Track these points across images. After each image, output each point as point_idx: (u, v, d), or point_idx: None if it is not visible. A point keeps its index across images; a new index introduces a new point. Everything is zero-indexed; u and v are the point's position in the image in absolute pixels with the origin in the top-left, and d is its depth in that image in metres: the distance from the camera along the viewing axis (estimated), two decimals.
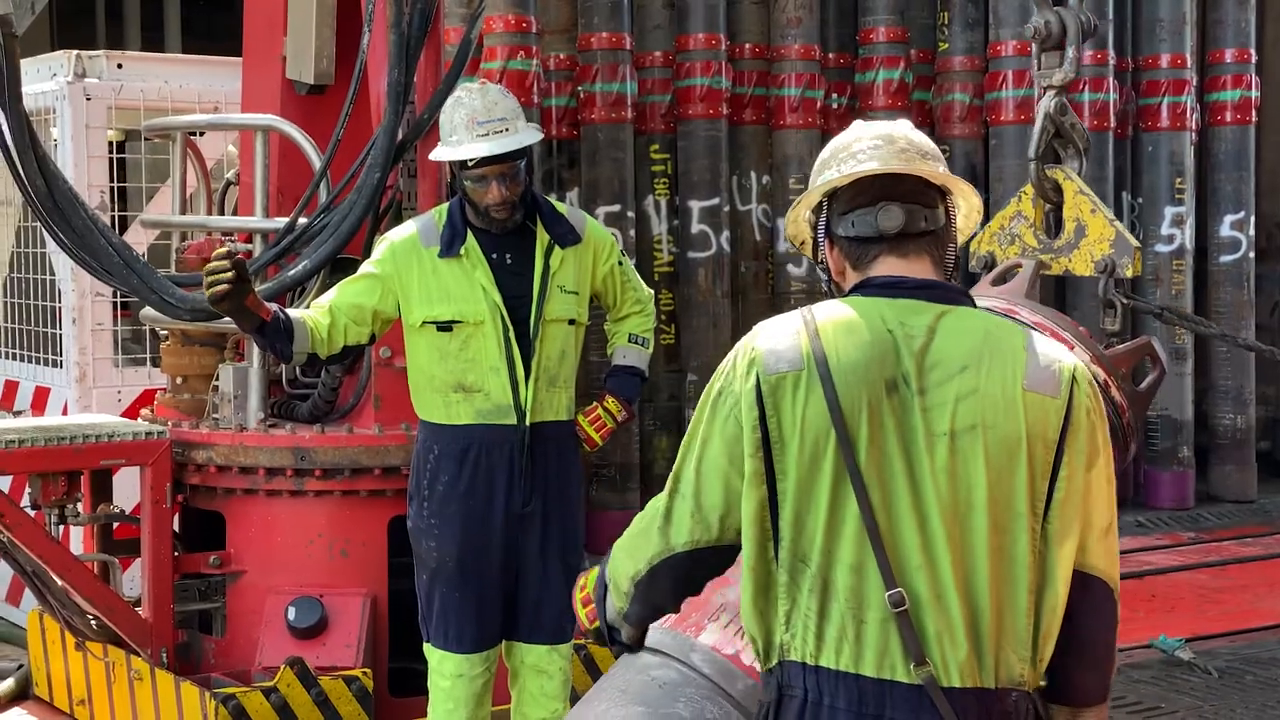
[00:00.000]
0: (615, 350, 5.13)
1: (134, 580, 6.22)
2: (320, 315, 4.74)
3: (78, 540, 6.44)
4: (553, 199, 5.12)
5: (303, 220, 5.73)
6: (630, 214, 8.78)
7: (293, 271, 5.64)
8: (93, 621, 5.87)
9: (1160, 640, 6.87)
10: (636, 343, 5.13)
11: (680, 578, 2.83)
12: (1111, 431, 3.83)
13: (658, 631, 3.66)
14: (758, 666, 3.07)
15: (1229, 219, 10.20)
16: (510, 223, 4.69)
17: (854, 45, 9.50)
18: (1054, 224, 4.39)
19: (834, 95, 9.42)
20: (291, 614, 5.73)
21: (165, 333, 6.33)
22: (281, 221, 5.82)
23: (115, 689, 5.88)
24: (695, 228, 8.97)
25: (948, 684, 2.61)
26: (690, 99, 8.92)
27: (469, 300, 4.67)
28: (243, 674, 5.76)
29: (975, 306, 2.77)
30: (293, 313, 4.71)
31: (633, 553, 2.86)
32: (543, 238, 4.75)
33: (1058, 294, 9.55)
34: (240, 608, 5.95)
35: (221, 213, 6.62)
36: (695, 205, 8.98)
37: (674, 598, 2.89)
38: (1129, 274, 4.20)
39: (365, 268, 4.82)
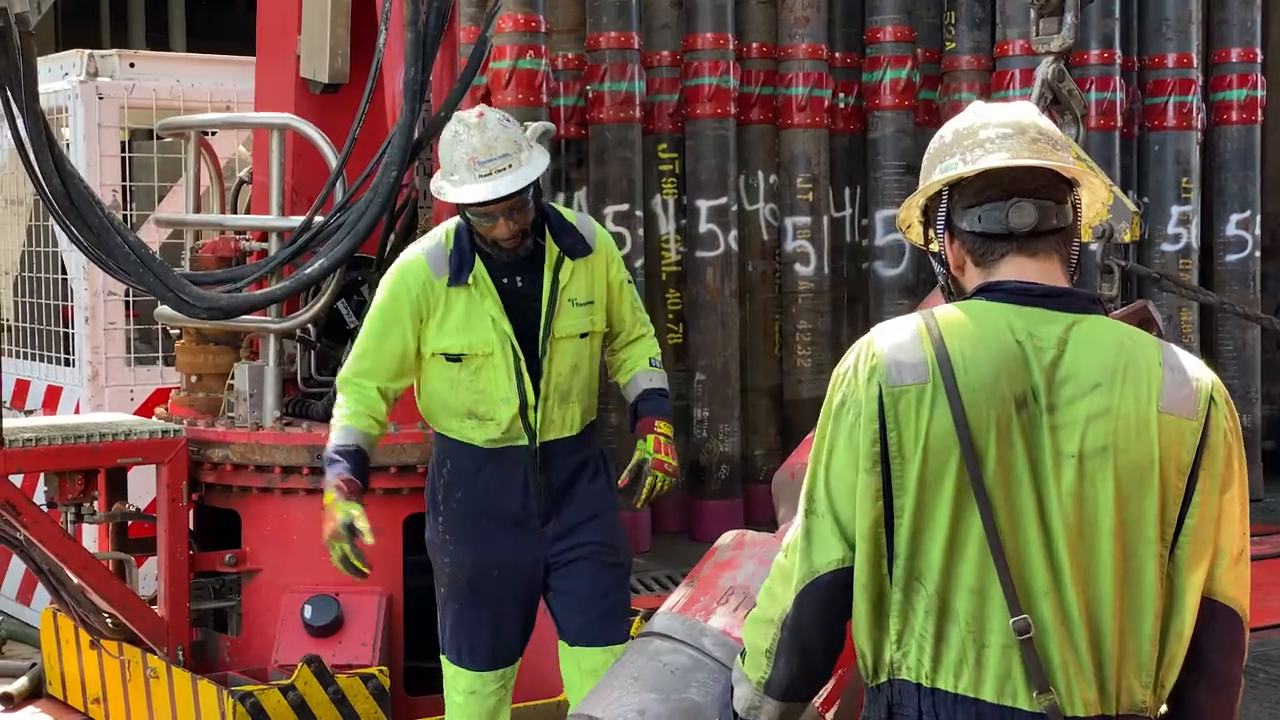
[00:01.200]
0: (637, 375, 4.94)
1: (149, 579, 6.22)
2: (372, 407, 4.67)
3: (92, 539, 6.45)
4: (559, 204, 5.09)
5: (319, 219, 5.74)
6: (638, 213, 8.78)
7: (309, 270, 5.65)
8: (108, 619, 5.87)
9: None
10: (655, 365, 4.99)
11: (830, 608, 2.63)
12: None
13: (668, 616, 3.68)
14: None
15: (1235, 218, 10.21)
16: (522, 250, 4.58)
17: (861, 44, 9.52)
18: None
19: (841, 94, 9.44)
20: (308, 612, 5.74)
21: (179, 331, 6.33)
22: (297, 220, 5.83)
23: (131, 687, 5.89)
24: (703, 227, 8.98)
25: (1071, 713, 2.52)
26: (698, 98, 8.93)
27: (478, 331, 4.58)
28: (259, 672, 5.77)
29: (1106, 314, 2.64)
30: (353, 441, 4.65)
31: (771, 601, 2.68)
32: (552, 251, 4.64)
33: None
34: (256, 606, 5.95)
35: (234, 212, 6.63)
36: (703, 204, 8.99)
37: (825, 637, 2.66)
38: (1127, 239, 4.19)
39: (388, 311, 4.64)
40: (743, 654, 2.76)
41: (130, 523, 6.20)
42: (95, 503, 5.87)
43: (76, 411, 7.18)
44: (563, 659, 4.74)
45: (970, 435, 2.50)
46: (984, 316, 2.57)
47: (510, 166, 4.44)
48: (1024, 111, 2.68)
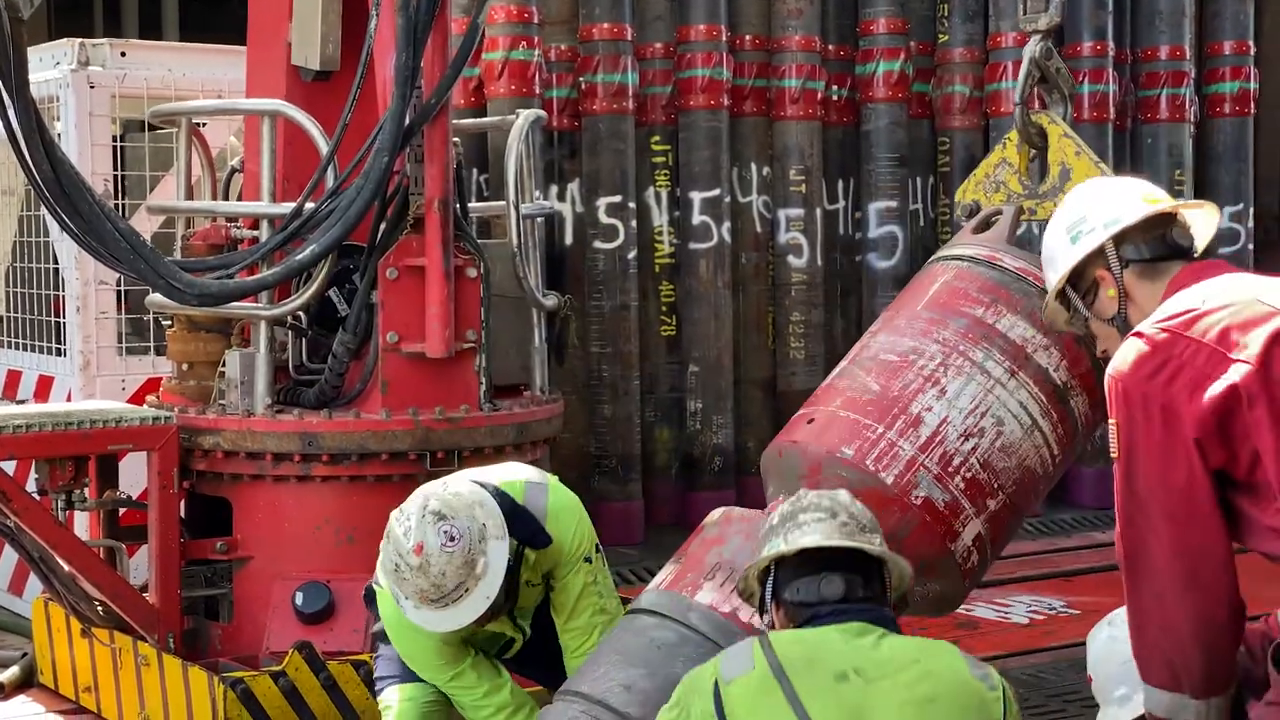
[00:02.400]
0: None
1: (141, 567, 6.21)
2: None
3: (84, 527, 6.44)
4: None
5: (310, 205, 5.73)
6: (631, 205, 8.79)
7: (300, 256, 5.64)
8: (99, 607, 5.87)
9: None
10: None
11: None
12: (1098, 373, 3.89)
13: (655, 593, 3.70)
14: (756, 623, 3.16)
15: (1228, 211, 10.20)
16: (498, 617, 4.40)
17: (854, 37, 9.52)
18: (1040, 170, 4.42)
19: (834, 87, 9.44)
20: (299, 599, 5.74)
21: (171, 319, 6.32)
22: (288, 207, 5.82)
23: (122, 675, 5.88)
24: (696, 219, 8.99)
25: None
26: (691, 90, 8.94)
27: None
28: (250, 659, 5.77)
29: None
30: None
31: None
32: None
33: None
34: (247, 593, 5.95)
35: (227, 200, 6.61)
36: (696, 196, 9.00)
37: None
38: None
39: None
40: None
41: (122, 511, 6.20)
42: (86, 490, 5.86)
43: (68, 401, 7.17)
44: None
45: None
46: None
47: (467, 590, 4.14)
48: (838, 497, 3.15)
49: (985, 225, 4.11)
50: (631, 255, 8.80)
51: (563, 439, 8.54)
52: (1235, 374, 2.98)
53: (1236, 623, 3.04)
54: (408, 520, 4.18)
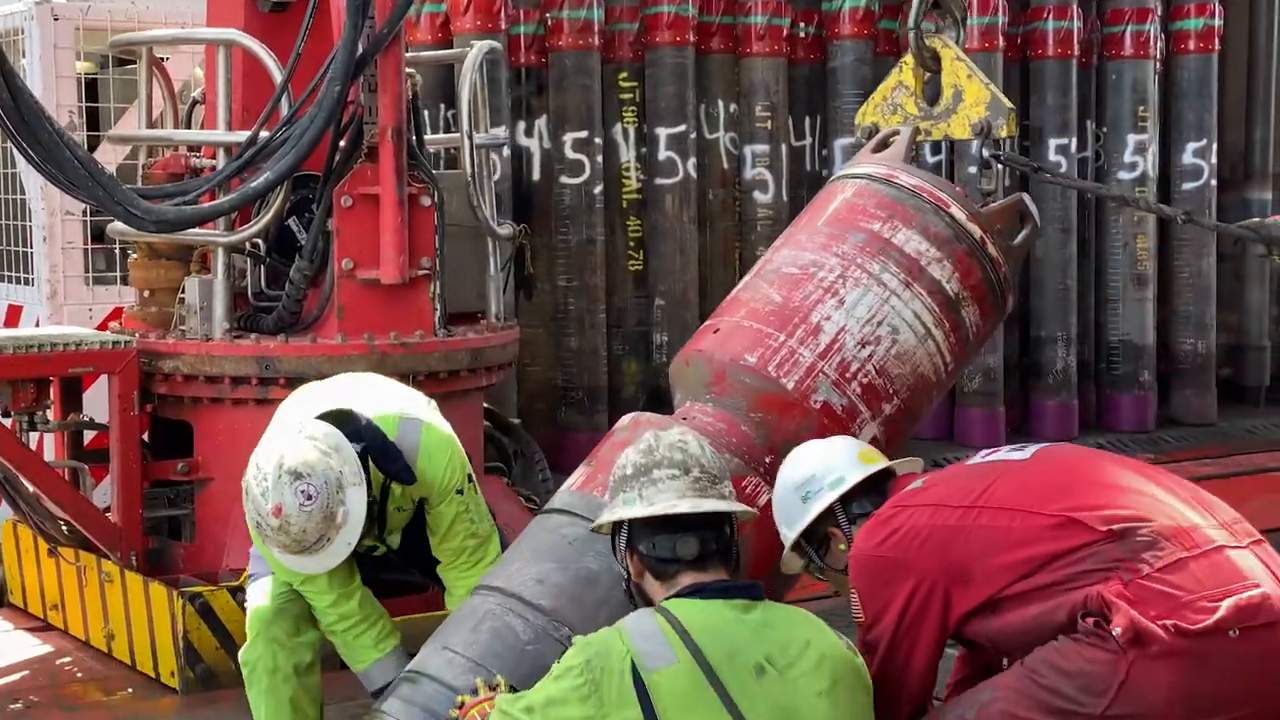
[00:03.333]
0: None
1: (105, 490, 6.36)
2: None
3: (50, 450, 6.58)
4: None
5: (264, 134, 5.85)
6: (598, 141, 8.88)
7: (255, 184, 5.76)
8: (64, 527, 6.02)
9: None
10: None
11: None
12: (988, 286, 4.05)
13: (567, 494, 3.85)
14: None
15: (1192, 147, 10.31)
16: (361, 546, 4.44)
17: None
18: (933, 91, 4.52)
19: (800, 24, 9.51)
20: None
21: (132, 247, 6.45)
22: (244, 135, 5.94)
23: (87, 592, 6.04)
24: (662, 155, 9.08)
25: None
26: (658, 26, 9.01)
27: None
28: (210, 576, 5.92)
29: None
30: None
31: None
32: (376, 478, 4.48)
33: None
34: (208, 513, 6.10)
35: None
36: (663, 132, 9.09)
37: None
38: (1003, 134, 4.33)
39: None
40: None
41: (89, 435, 6.34)
42: (49, 412, 6.00)
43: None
44: None
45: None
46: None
47: (329, 540, 4.28)
48: (689, 448, 3.28)
49: (884, 145, 4.23)
50: (598, 190, 8.90)
51: (530, 371, 8.70)
52: None
53: None
54: (264, 481, 4.25)
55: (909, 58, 4.47)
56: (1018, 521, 3.27)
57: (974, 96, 4.29)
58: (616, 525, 3.31)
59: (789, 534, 3.60)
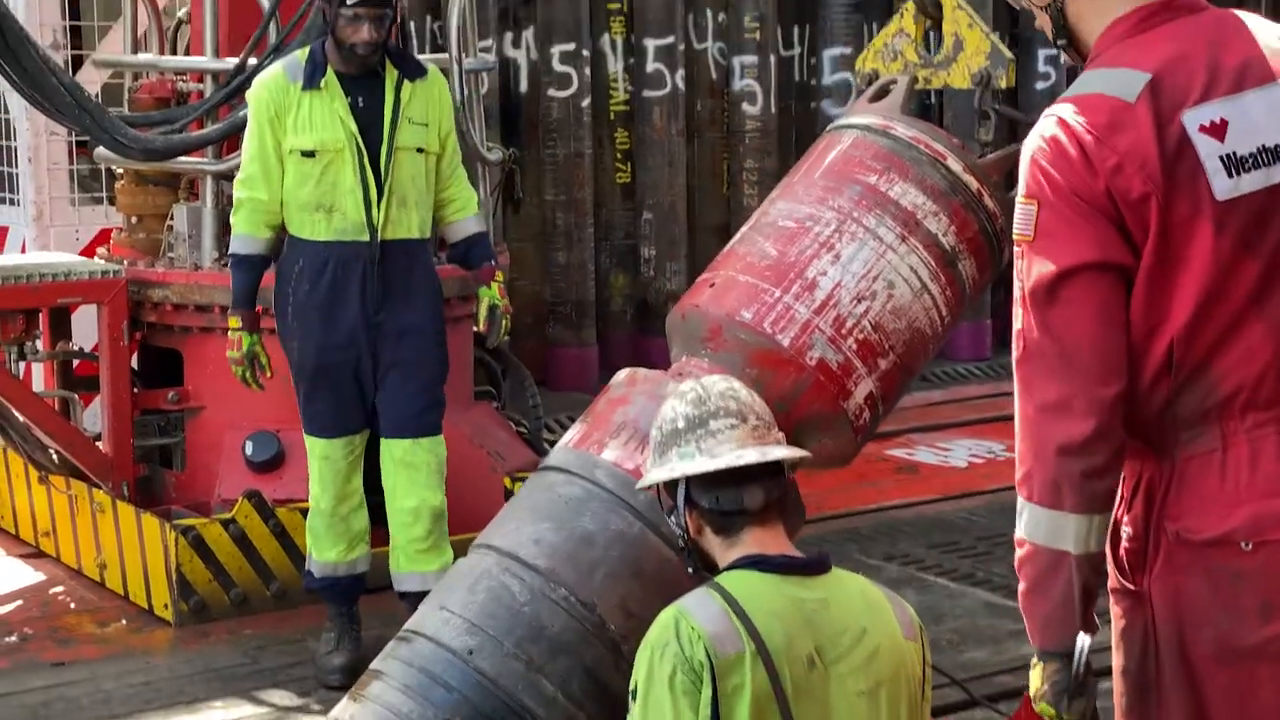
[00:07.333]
0: (470, 218, 5.39)
1: (96, 418, 6.36)
2: (266, 212, 5.14)
3: (40, 379, 6.56)
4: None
5: (253, 61, 5.79)
6: (585, 53, 8.81)
7: (243, 112, 5.69)
8: (54, 456, 6.02)
9: None
10: (480, 211, 5.53)
11: None
12: (985, 239, 4.03)
13: (563, 451, 3.84)
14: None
15: None
16: (370, 63, 5.05)
17: None
18: (934, 39, 4.45)
19: None
20: (249, 448, 5.89)
21: (120, 172, 6.39)
22: (232, 62, 5.87)
23: (79, 521, 6.05)
24: (650, 66, 9.02)
25: None
26: None
27: (328, 129, 5.05)
28: (202, 506, 5.94)
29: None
30: (251, 250, 5.19)
31: None
32: (392, 74, 5.13)
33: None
34: (199, 442, 6.10)
35: (174, 52, 6.64)
36: (650, 44, 9.02)
37: None
38: (1003, 84, 4.28)
39: (257, 119, 5.09)
40: None
41: (78, 363, 6.33)
42: (38, 342, 5.98)
43: (22, 251, 7.25)
44: (380, 451, 5.22)
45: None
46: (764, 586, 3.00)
47: None
48: (740, 394, 3.12)
49: (882, 93, 4.19)
50: (586, 103, 8.84)
51: (518, 285, 8.67)
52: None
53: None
54: None
55: (910, 4, 4.42)
56: None
57: (974, 45, 4.24)
58: (669, 482, 3.11)
59: None
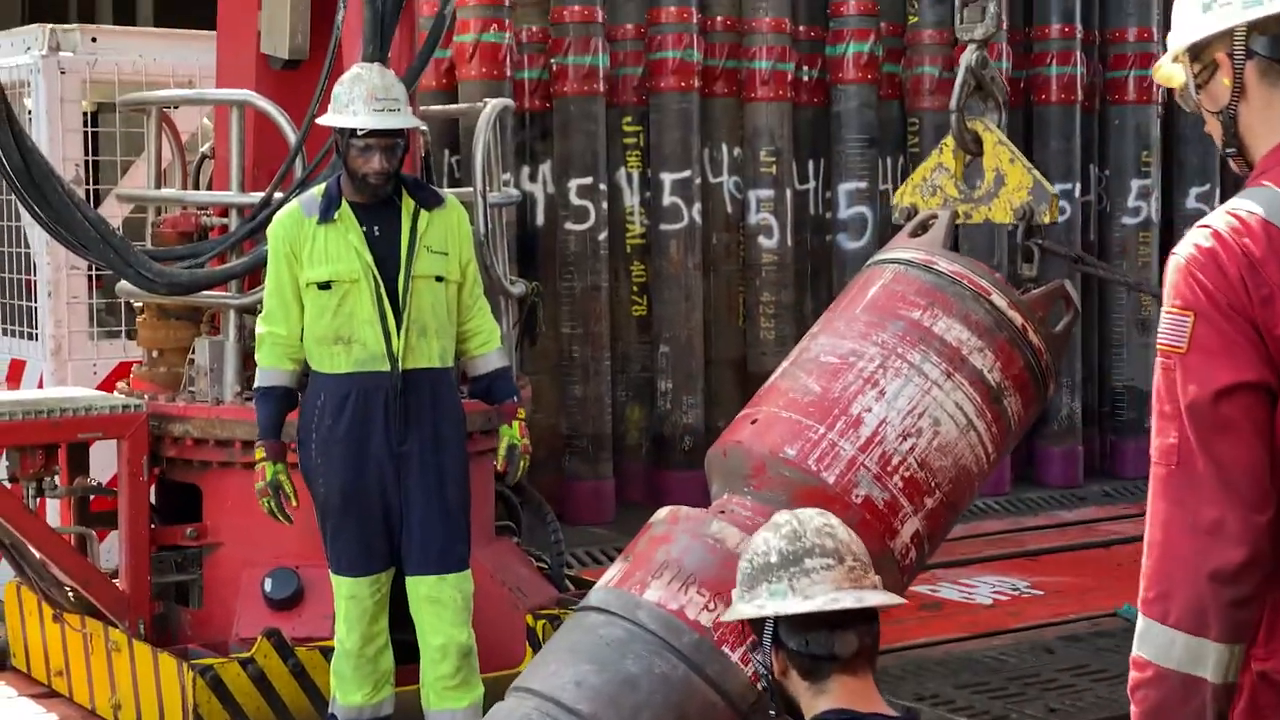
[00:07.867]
0: (492, 353, 5.38)
1: (111, 551, 6.27)
2: (287, 347, 5.18)
3: (55, 514, 6.48)
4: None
5: (278, 195, 5.78)
6: (602, 186, 8.85)
7: (266, 246, 5.67)
8: (70, 593, 5.92)
9: (1125, 609, 6.98)
10: (503, 345, 5.55)
11: None
12: (1030, 375, 3.98)
13: (604, 591, 3.77)
14: (702, 620, 3.14)
15: (1195, 191, 10.31)
16: (383, 192, 5.09)
17: (825, 18, 9.57)
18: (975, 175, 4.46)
19: (805, 68, 9.50)
20: (268, 585, 5.79)
21: (141, 306, 6.36)
22: (257, 196, 5.87)
23: (93, 660, 5.93)
24: (667, 200, 9.05)
25: None
26: (662, 72, 8.99)
27: (344, 260, 5.07)
28: (220, 645, 5.82)
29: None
30: (275, 383, 5.21)
31: None
32: (408, 204, 5.16)
33: None
34: (217, 579, 6.00)
35: (196, 186, 6.65)
36: (667, 178, 9.06)
37: None
38: (1046, 220, 4.27)
39: (276, 256, 5.15)
40: None
41: (93, 497, 6.24)
42: (56, 477, 5.90)
43: (39, 385, 7.21)
44: (406, 587, 5.18)
45: None
46: None
47: (400, 110, 5.08)
48: (837, 532, 2.98)
49: (922, 228, 4.18)
50: (603, 236, 8.86)
51: (534, 419, 8.60)
52: None
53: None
54: None
55: (949, 139, 4.42)
56: None
57: (1016, 181, 4.24)
58: (758, 624, 2.96)
59: (1172, 42, 2.79)
